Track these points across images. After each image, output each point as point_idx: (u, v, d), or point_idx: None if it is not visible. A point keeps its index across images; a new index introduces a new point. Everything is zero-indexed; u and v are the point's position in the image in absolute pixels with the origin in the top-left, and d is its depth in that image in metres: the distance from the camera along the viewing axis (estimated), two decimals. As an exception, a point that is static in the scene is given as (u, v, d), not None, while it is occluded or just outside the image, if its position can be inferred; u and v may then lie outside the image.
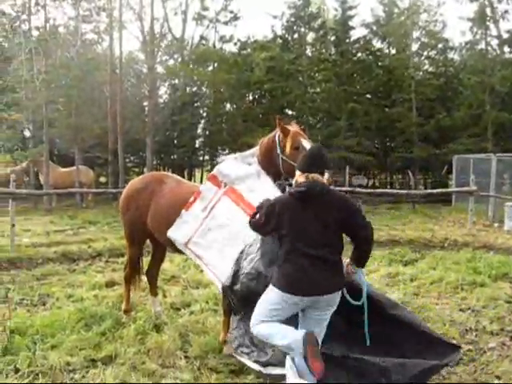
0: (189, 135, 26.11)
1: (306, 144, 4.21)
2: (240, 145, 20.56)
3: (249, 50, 28.07)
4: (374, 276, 7.63)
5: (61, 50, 19.66)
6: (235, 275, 4.17)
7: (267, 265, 3.92)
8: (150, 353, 4.49)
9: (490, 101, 22.84)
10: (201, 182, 24.01)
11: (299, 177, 3.57)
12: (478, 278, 7.20)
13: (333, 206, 3.45)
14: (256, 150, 4.72)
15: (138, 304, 5.97)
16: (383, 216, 16.91)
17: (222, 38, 28.21)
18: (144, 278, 5.83)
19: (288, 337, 3.38)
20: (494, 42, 24.63)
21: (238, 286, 4.12)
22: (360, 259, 3.62)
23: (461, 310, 5.96)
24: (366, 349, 3.75)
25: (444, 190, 17.68)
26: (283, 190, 4.20)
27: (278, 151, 4.38)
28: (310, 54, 28.01)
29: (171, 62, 28.48)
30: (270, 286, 3.56)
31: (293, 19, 26.99)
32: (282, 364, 3.68)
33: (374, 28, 28.94)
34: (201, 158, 28.98)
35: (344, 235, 3.58)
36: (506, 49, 24.72)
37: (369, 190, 17.18)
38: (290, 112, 26.96)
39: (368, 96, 26.88)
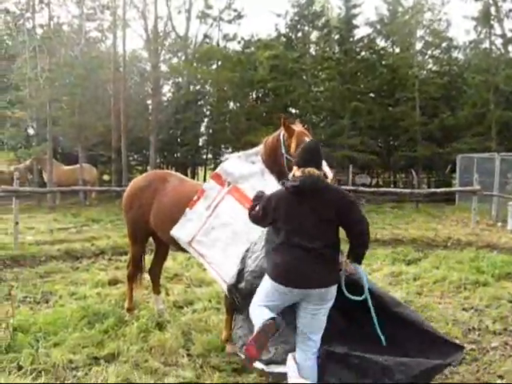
0: (192, 133, 26.10)
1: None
2: (243, 143, 20.57)
3: (252, 48, 27.99)
4: (377, 275, 7.63)
5: (65, 48, 19.65)
6: (240, 273, 4.18)
7: (269, 252, 3.94)
8: (152, 351, 4.51)
9: (494, 100, 22.76)
10: (204, 180, 24.00)
11: (296, 171, 3.62)
12: (481, 277, 7.19)
13: (329, 200, 3.46)
14: (260, 148, 4.71)
15: (140, 302, 5.98)
16: (386, 215, 16.90)
17: (226, 36, 28.13)
18: (147, 276, 5.84)
19: (258, 317, 3.44)
20: (499, 41, 24.59)
21: (242, 284, 4.13)
22: (356, 255, 3.60)
23: (464, 309, 5.96)
24: (368, 347, 3.74)
25: (447, 190, 17.63)
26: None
27: (283, 150, 4.37)
28: (313, 53, 27.94)
29: (175, 60, 28.46)
30: (266, 276, 3.61)
31: (297, 18, 26.91)
32: (284, 362, 3.69)
33: (378, 27, 28.87)
34: (204, 157, 28.94)
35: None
36: (511, 48, 24.66)
37: (372, 189, 17.14)
38: (293, 111, 26.92)
39: (372, 95, 26.83)
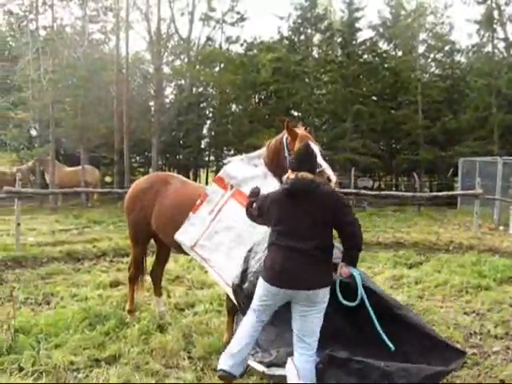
0: (194, 136, 26.13)
1: (314, 147, 4.21)
2: (246, 146, 20.60)
3: (255, 51, 28.04)
4: (379, 278, 7.62)
5: (68, 49, 19.73)
6: (244, 274, 4.19)
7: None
8: (153, 353, 4.51)
9: (497, 103, 22.76)
10: (206, 182, 24.08)
11: (290, 174, 3.70)
12: (482, 281, 7.18)
13: (322, 202, 3.50)
14: (263, 151, 4.71)
15: (142, 304, 5.97)
16: (388, 218, 16.89)
17: (229, 38, 28.21)
18: (148, 278, 5.84)
19: (241, 327, 3.77)
20: (501, 45, 24.62)
21: (246, 285, 4.14)
22: (350, 257, 3.61)
23: (465, 313, 5.95)
24: (369, 351, 3.74)
25: (449, 193, 17.58)
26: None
27: (286, 153, 4.36)
28: (316, 56, 27.97)
29: (177, 62, 28.48)
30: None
31: (299, 20, 26.93)
32: (285, 365, 3.67)
33: (381, 30, 28.92)
34: (206, 159, 28.99)
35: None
36: (513, 51, 24.65)
37: (374, 192, 17.15)
38: (295, 113, 26.97)
39: (374, 98, 26.83)
